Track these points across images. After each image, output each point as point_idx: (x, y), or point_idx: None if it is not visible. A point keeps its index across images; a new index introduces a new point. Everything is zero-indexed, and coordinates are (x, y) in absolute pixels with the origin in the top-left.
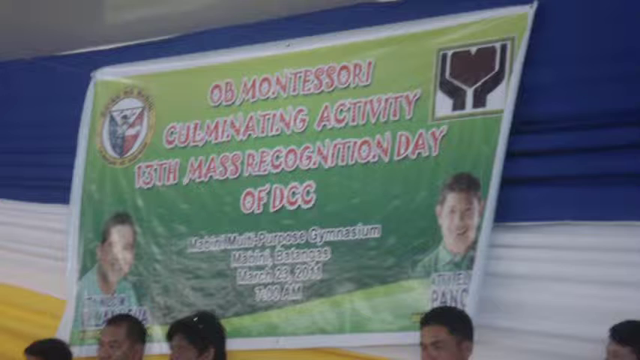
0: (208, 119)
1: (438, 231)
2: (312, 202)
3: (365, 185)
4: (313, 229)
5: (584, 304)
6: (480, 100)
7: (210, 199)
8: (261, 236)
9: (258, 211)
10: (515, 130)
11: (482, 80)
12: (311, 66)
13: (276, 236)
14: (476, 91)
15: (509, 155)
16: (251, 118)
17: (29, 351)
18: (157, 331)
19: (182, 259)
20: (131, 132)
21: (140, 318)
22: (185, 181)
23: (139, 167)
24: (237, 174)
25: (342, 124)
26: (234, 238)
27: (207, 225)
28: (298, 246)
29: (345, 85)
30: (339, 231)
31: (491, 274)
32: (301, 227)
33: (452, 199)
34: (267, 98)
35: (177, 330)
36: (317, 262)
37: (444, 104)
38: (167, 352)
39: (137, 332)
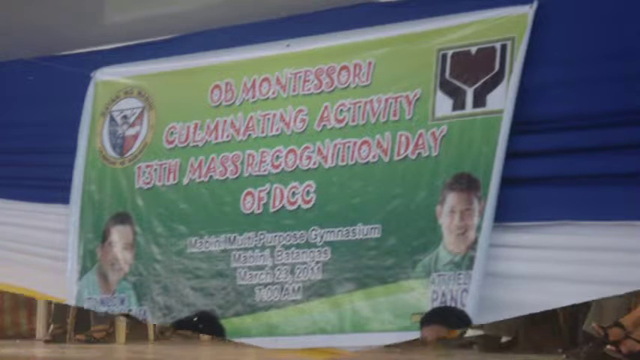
0: (208, 119)
1: (438, 231)
2: (312, 202)
3: (365, 185)
4: (313, 229)
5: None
6: (480, 100)
7: (210, 199)
8: (261, 236)
9: (258, 211)
10: (515, 130)
11: (483, 80)
12: (311, 66)
13: (276, 236)
14: (476, 91)
15: (509, 155)
16: (251, 118)
17: None
18: None
19: (182, 259)
20: (131, 132)
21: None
22: (185, 181)
23: (139, 167)
24: (237, 174)
25: (342, 124)
26: (234, 238)
27: (207, 225)
28: (298, 246)
29: (345, 85)
30: (339, 231)
31: (491, 274)
32: (301, 227)
33: (452, 199)
34: (267, 98)
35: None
36: (317, 262)
37: (444, 104)
38: None
39: None
